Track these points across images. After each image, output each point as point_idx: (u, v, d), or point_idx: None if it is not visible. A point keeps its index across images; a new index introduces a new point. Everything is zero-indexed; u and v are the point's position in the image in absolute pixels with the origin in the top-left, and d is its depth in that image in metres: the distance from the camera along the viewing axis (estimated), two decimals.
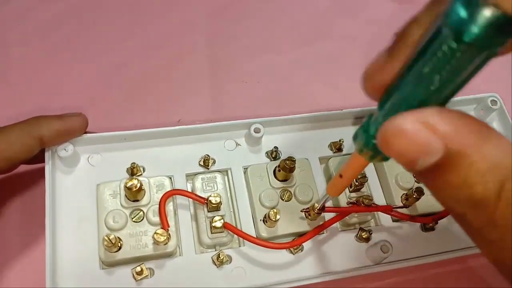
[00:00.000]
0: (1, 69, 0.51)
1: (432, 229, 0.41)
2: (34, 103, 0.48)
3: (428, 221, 0.39)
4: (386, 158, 0.23)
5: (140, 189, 0.36)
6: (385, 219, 0.41)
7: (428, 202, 0.40)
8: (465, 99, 0.46)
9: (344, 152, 0.43)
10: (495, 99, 0.45)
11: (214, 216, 0.36)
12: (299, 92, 0.53)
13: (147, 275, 0.36)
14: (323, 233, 0.40)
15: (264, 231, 0.38)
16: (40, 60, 0.52)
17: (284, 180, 0.40)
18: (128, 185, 0.35)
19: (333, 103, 0.51)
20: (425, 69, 0.18)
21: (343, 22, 0.59)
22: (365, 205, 0.38)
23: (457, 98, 0.45)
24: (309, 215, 0.38)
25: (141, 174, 0.39)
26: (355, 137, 0.24)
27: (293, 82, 0.54)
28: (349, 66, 0.55)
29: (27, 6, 0.55)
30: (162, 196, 0.36)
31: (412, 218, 0.38)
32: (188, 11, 0.58)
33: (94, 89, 0.50)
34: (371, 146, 0.23)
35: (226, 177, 0.41)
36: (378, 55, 0.22)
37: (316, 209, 0.37)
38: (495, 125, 0.47)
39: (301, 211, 0.38)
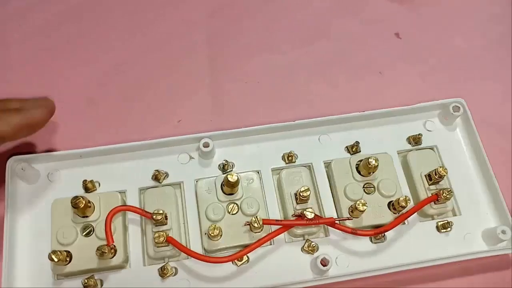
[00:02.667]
0: (1, 69, 0.52)
1: (382, 240, 0.41)
2: None
3: (369, 235, 0.39)
4: None
5: (87, 206, 0.38)
6: (334, 230, 0.41)
7: (373, 214, 0.40)
8: (429, 105, 0.45)
9: (296, 163, 0.43)
10: (458, 105, 0.44)
11: (158, 231, 0.38)
12: (299, 92, 0.53)
13: (96, 286, 0.38)
14: (271, 245, 0.40)
15: (207, 244, 0.39)
16: (40, 60, 0.53)
17: (230, 194, 0.41)
18: (73, 203, 0.38)
19: (333, 103, 0.51)
20: None
21: (343, 22, 0.58)
22: (308, 218, 0.38)
23: (422, 104, 0.45)
24: (252, 227, 0.39)
25: (95, 190, 0.41)
26: None
27: (293, 82, 0.54)
28: (349, 66, 0.54)
29: (27, 6, 0.56)
30: (109, 213, 0.38)
31: (354, 231, 0.38)
32: (188, 11, 0.58)
33: (93, 89, 0.51)
34: None
35: (180, 191, 0.42)
36: None
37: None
38: (458, 130, 0.46)
39: (243, 225, 0.39)
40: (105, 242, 0.37)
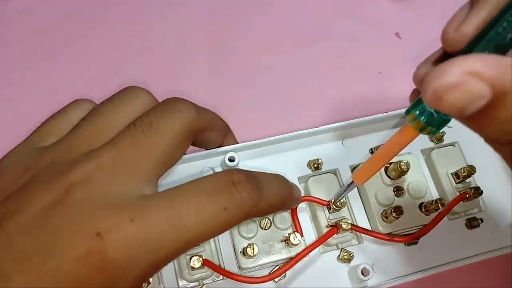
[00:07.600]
0: (1, 69, 0.52)
1: (415, 243, 0.40)
2: (34, 103, 0.50)
3: (407, 241, 0.39)
4: (433, 131, 0.26)
5: None
6: (366, 236, 0.40)
7: (404, 218, 0.40)
8: None
9: (322, 170, 0.42)
10: None
11: (192, 255, 0.37)
12: (299, 92, 0.53)
13: None
14: (306, 256, 0.39)
15: (242, 263, 0.38)
16: (40, 60, 0.53)
17: None
18: None
19: (333, 103, 0.51)
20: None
21: (343, 22, 0.58)
22: (343, 228, 0.38)
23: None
24: (290, 243, 0.38)
25: None
26: (408, 110, 0.27)
27: (293, 82, 0.54)
28: (349, 66, 0.55)
29: (27, 6, 0.56)
30: None
31: (391, 239, 0.38)
32: (188, 11, 0.58)
33: (93, 89, 0.49)
34: (426, 117, 0.26)
35: None
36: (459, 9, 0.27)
37: (333, 203, 0.39)
38: None
39: (280, 241, 0.38)
40: None
